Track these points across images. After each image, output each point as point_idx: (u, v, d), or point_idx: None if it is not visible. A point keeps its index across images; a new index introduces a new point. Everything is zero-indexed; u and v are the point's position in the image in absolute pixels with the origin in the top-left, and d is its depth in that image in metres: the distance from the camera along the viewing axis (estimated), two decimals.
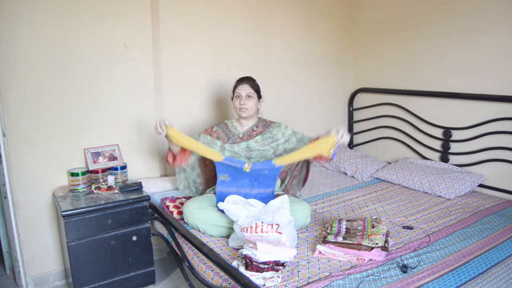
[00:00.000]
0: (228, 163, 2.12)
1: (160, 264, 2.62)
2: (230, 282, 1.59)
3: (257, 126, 2.30)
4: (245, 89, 2.23)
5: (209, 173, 2.38)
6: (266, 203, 2.03)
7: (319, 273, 1.63)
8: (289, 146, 2.27)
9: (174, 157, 2.25)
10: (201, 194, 2.38)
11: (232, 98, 2.31)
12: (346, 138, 1.98)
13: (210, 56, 2.77)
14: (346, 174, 3.13)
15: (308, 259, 1.74)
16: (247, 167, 2.10)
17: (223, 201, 2.01)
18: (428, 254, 1.77)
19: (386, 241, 1.78)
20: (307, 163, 2.34)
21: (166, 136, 2.14)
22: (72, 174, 2.26)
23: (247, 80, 2.27)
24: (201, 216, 2.01)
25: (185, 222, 2.10)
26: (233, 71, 2.79)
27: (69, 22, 2.24)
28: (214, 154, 2.14)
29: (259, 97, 2.30)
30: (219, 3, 2.74)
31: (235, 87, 2.28)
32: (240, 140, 2.27)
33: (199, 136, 2.29)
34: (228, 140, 2.27)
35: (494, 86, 2.58)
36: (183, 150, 2.21)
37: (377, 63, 3.35)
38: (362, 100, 3.51)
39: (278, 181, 2.38)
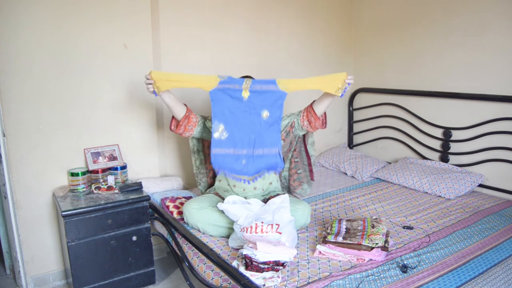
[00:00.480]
0: (225, 86, 2.01)
1: (160, 264, 2.62)
2: (230, 282, 1.59)
3: None
4: None
5: (211, 166, 2.38)
6: (274, 168, 2.05)
7: (319, 273, 1.63)
8: (283, 122, 2.23)
9: (178, 125, 2.18)
10: (205, 191, 2.39)
11: None
12: (352, 80, 2.01)
13: (210, 57, 2.77)
14: (346, 174, 3.13)
15: (308, 259, 1.75)
16: (246, 87, 1.97)
17: (220, 167, 1.99)
18: (428, 254, 1.77)
19: (386, 241, 1.78)
20: (303, 142, 2.34)
21: (156, 93, 2.00)
22: (72, 174, 2.26)
23: (247, 79, 2.26)
24: (201, 216, 2.01)
25: (185, 222, 2.10)
26: (233, 71, 2.78)
27: (69, 22, 2.24)
28: (209, 80, 2.02)
29: None
30: (219, 3, 2.74)
31: None
32: None
33: (208, 116, 2.27)
34: None
35: (494, 86, 2.58)
36: (187, 116, 2.14)
37: (377, 63, 3.35)
38: (362, 100, 3.51)
39: (278, 181, 2.37)
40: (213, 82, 2.03)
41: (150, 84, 1.97)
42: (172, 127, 2.20)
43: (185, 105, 2.17)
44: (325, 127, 2.19)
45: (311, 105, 2.16)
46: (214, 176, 2.39)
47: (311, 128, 2.20)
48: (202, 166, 2.40)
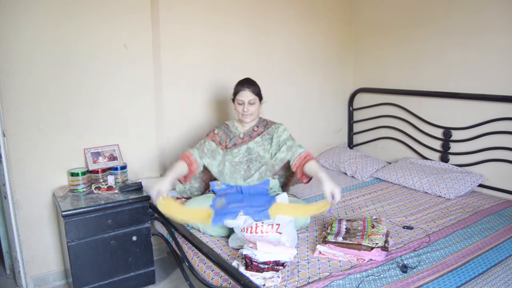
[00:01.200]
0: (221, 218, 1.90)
1: (160, 264, 2.62)
2: (230, 282, 1.59)
3: (257, 127, 2.30)
4: (247, 96, 2.19)
5: (208, 179, 2.37)
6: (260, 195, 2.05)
7: (319, 273, 1.63)
8: (280, 155, 2.18)
9: (185, 179, 2.20)
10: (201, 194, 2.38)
11: (233, 100, 2.29)
12: (338, 197, 1.80)
13: (210, 56, 2.77)
14: (346, 174, 3.13)
15: (308, 259, 1.75)
16: (241, 215, 1.87)
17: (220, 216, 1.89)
18: (428, 254, 1.77)
19: (386, 241, 1.78)
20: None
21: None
22: (72, 174, 2.26)
23: (248, 85, 2.22)
24: None
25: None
26: (233, 71, 2.79)
27: (69, 22, 2.24)
28: (204, 218, 1.91)
29: (260, 99, 2.29)
30: (219, 3, 2.74)
31: (236, 93, 2.23)
32: (241, 141, 2.26)
33: (204, 142, 2.23)
34: (230, 141, 2.26)
35: (494, 86, 2.58)
36: (190, 171, 2.13)
37: (377, 63, 3.35)
38: (362, 100, 3.51)
39: (276, 181, 2.37)
40: (208, 218, 1.90)
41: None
42: (181, 179, 2.17)
43: (183, 159, 2.12)
44: (306, 182, 2.18)
45: (303, 166, 2.09)
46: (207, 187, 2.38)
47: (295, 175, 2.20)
48: (197, 180, 2.33)
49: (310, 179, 2.16)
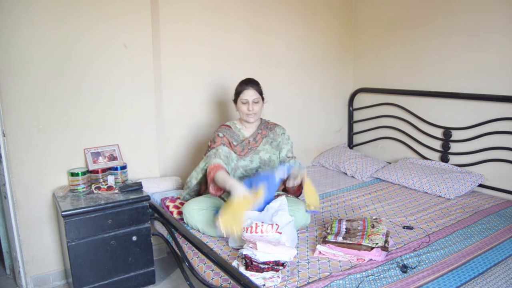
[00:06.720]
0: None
1: (160, 264, 2.62)
2: (230, 282, 1.59)
3: (261, 129, 2.29)
4: (251, 95, 2.18)
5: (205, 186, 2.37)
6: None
7: (319, 273, 1.63)
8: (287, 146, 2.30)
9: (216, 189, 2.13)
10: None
11: (236, 101, 2.27)
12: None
13: (210, 56, 2.77)
14: (346, 174, 3.13)
15: (308, 259, 1.75)
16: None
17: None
18: (428, 254, 1.78)
19: (386, 241, 1.78)
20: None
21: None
22: (72, 174, 2.25)
23: (252, 84, 2.21)
24: (201, 217, 2.01)
25: (185, 223, 2.10)
26: (233, 71, 2.79)
27: (69, 21, 2.24)
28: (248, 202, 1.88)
29: (263, 99, 2.28)
30: (219, 3, 2.74)
31: (239, 92, 2.22)
32: (250, 146, 2.24)
33: (217, 149, 2.15)
34: (237, 145, 2.23)
35: (494, 86, 2.58)
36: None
37: (377, 63, 3.35)
38: (362, 100, 3.51)
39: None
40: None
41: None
42: (212, 191, 2.11)
43: (219, 169, 2.05)
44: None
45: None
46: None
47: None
48: (197, 185, 2.32)
49: (299, 191, 2.22)
